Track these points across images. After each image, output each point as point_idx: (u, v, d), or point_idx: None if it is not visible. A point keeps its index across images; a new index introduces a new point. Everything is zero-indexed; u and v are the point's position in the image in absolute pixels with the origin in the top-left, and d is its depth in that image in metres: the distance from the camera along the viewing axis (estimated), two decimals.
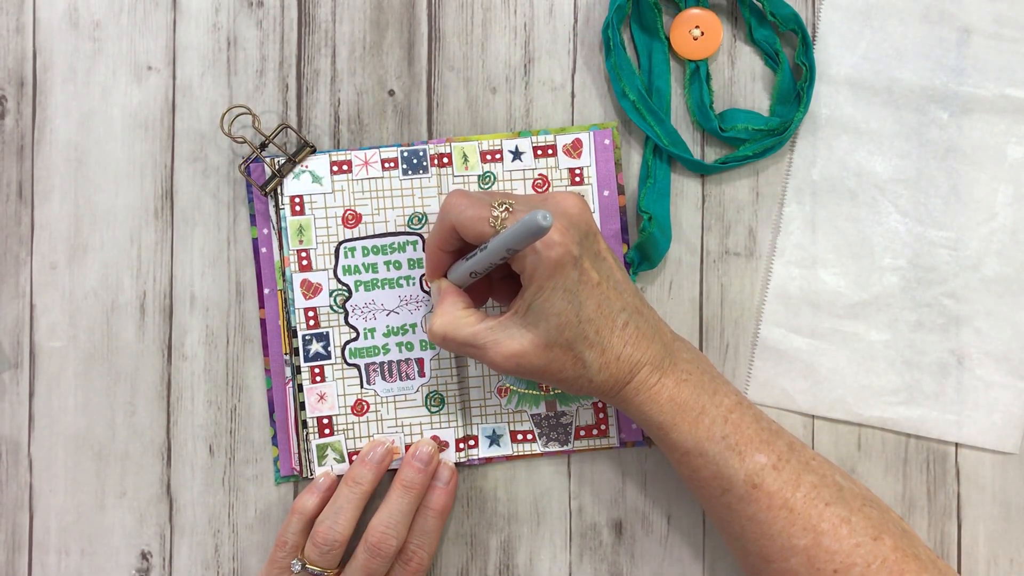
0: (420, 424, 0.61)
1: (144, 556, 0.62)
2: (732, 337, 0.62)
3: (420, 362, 0.61)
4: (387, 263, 0.61)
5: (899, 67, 0.61)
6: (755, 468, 0.53)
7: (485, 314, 0.54)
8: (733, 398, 0.55)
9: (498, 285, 0.58)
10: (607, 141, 0.61)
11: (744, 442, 0.53)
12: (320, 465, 0.60)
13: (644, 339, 0.53)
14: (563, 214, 0.52)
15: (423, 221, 0.61)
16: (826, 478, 0.54)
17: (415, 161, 0.61)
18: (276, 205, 0.61)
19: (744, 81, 0.62)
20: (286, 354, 0.61)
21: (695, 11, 0.61)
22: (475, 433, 0.61)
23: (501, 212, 0.51)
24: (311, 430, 0.60)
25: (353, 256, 0.61)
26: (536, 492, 0.62)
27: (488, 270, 0.53)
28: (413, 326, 0.61)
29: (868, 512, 0.53)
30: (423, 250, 0.61)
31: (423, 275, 0.61)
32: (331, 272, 0.60)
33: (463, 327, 0.53)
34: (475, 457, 0.61)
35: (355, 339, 0.61)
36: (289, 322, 0.60)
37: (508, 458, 0.62)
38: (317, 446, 0.60)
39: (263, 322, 0.62)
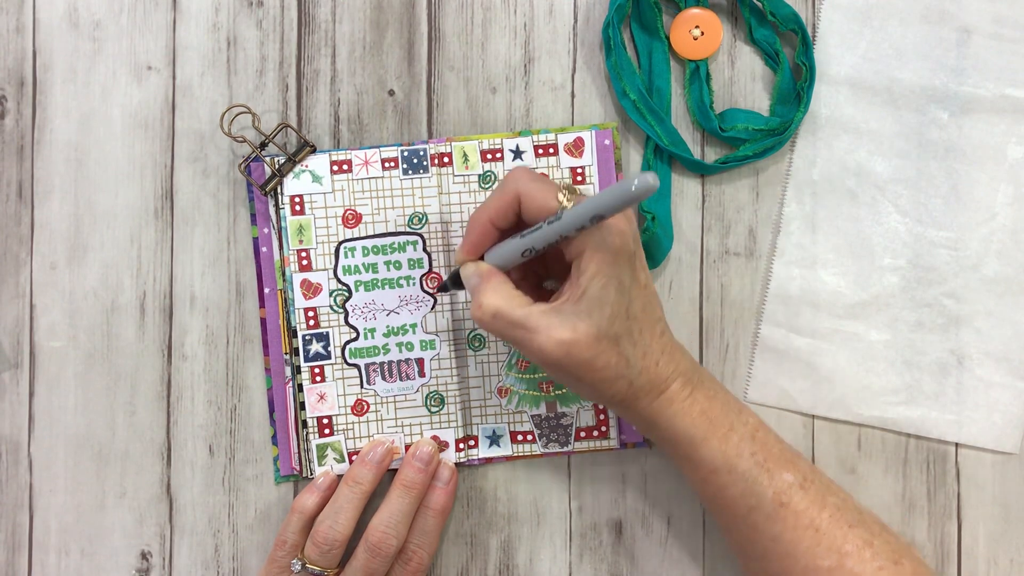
0: (420, 424, 0.61)
1: (144, 556, 0.62)
2: (732, 337, 0.62)
3: (420, 362, 0.61)
4: (387, 263, 0.61)
5: (899, 67, 0.61)
6: (783, 486, 0.53)
7: (532, 298, 0.52)
8: (756, 417, 0.55)
9: (522, 283, 0.56)
10: (607, 141, 0.61)
11: (772, 460, 0.53)
12: (320, 465, 0.60)
13: (678, 351, 0.54)
14: (614, 224, 0.50)
15: (423, 221, 0.61)
16: (847, 501, 0.54)
17: (415, 161, 0.61)
18: (276, 205, 0.61)
19: (744, 81, 0.62)
20: (286, 354, 0.61)
21: (695, 11, 0.61)
22: (475, 433, 0.61)
23: (567, 192, 0.50)
24: (311, 430, 0.60)
25: (353, 256, 0.61)
26: (536, 492, 0.62)
27: (546, 248, 0.51)
28: (413, 326, 0.61)
29: (887, 536, 0.54)
30: (423, 250, 0.61)
31: (423, 275, 0.61)
32: (331, 272, 0.60)
33: (516, 307, 0.51)
34: (475, 457, 0.61)
35: (355, 339, 0.61)
36: (289, 322, 0.60)
37: (508, 458, 0.62)
38: (317, 446, 0.60)
39: (263, 322, 0.61)
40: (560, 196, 0.50)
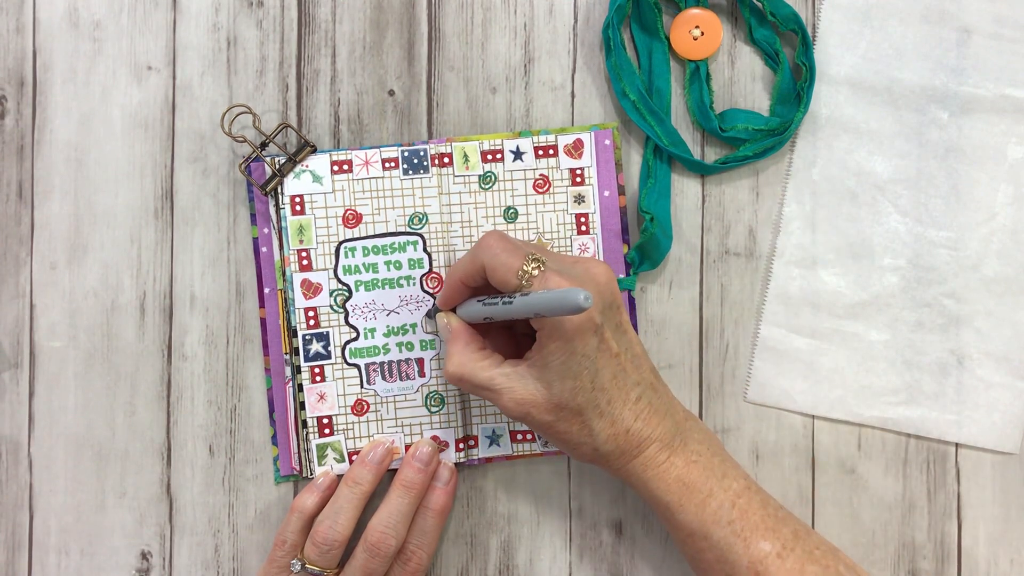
0: (420, 424, 0.61)
1: (144, 556, 0.62)
2: (732, 337, 0.62)
3: (420, 362, 0.61)
4: (387, 263, 0.61)
5: (899, 67, 0.61)
6: (759, 556, 0.53)
7: (501, 358, 0.54)
8: (741, 482, 0.54)
9: (496, 332, 0.58)
10: (608, 141, 0.61)
11: (750, 528, 0.53)
12: (320, 465, 0.60)
13: (656, 415, 0.54)
14: (591, 281, 0.52)
15: (423, 221, 0.61)
16: (829, 569, 0.53)
17: (416, 161, 0.61)
18: (276, 205, 0.61)
19: (744, 81, 0.62)
20: (286, 354, 0.61)
21: (695, 11, 0.61)
22: (475, 433, 0.61)
23: (531, 268, 0.51)
24: (311, 430, 0.60)
25: (353, 256, 0.61)
26: (536, 492, 0.62)
27: (503, 321, 0.54)
28: (413, 326, 0.61)
29: None
30: (424, 250, 0.61)
31: (423, 275, 0.61)
32: (331, 272, 0.60)
33: (479, 371, 0.54)
34: (475, 457, 0.61)
35: (355, 339, 0.61)
36: (289, 322, 0.60)
37: (508, 458, 0.62)
38: (317, 446, 0.60)
39: (263, 321, 0.62)
40: (521, 272, 0.51)
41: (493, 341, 0.57)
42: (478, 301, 0.55)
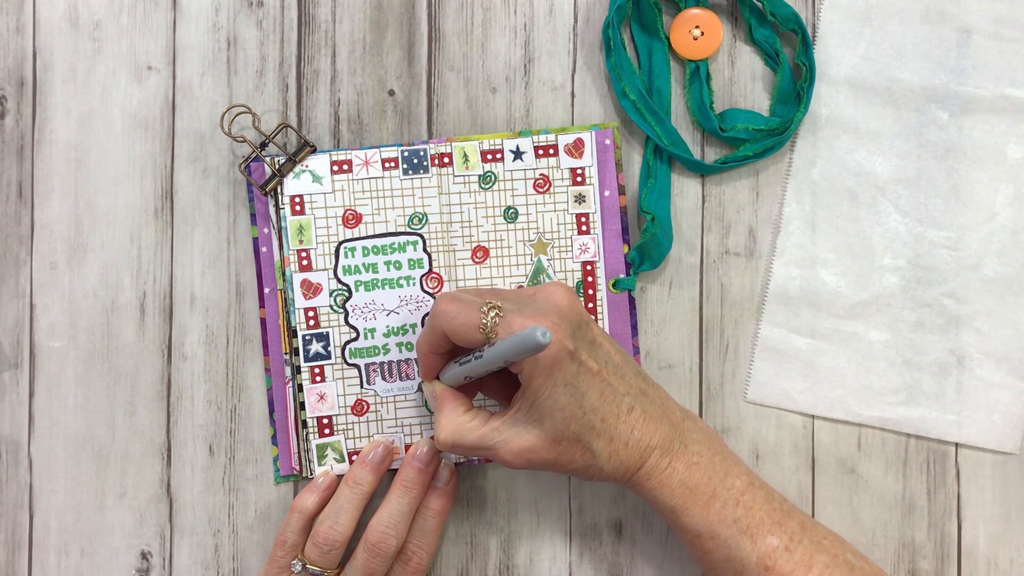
0: (420, 424, 0.61)
1: (144, 556, 0.62)
2: (732, 337, 0.62)
3: None
4: (387, 263, 0.61)
5: (899, 67, 0.61)
6: (767, 550, 0.53)
7: (489, 414, 0.54)
8: (744, 479, 0.55)
9: (487, 379, 0.58)
10: (608, 141, 0.61)
11: (756, 524, 0.53)
12: (320, 465, 0.60)
13: (652, 422, 0.54)
14: (553, 308, 0.52)
15: (423, 221, 0.61)
16: (838, 558, 0.54)
17: (415, 161, 0.61)
18: (276, 205, 0.61)
19: (744, 81, 0.62)
20: (286, 354, 0.61)
21: (695, 11, 0.61)
22: None
23: (491, 318, 0.51)
24: (311, 430, 0.60)
25: (353, 256, 0.61)
26: (536, 492, 0.62)
27: (484, 375, 0.54)
28: (413, 326, 0.61)
29: None
30: (423, 250, 0.61)
31: (423, 275, 0.61)
32: (331, 272, 0.60)
33: (469, 432, 0.53)
34: (475, 457, 0.61)
35: (355, 339, 0.61)
36: (289, 322, 0.60)
37: None
38: (317, 446, 0.60)
39: (263, 321, 0.61)
40: (482, 326, 0.51)
41: (497, 392, 0.58)
42: (455, 363, 0.55)
